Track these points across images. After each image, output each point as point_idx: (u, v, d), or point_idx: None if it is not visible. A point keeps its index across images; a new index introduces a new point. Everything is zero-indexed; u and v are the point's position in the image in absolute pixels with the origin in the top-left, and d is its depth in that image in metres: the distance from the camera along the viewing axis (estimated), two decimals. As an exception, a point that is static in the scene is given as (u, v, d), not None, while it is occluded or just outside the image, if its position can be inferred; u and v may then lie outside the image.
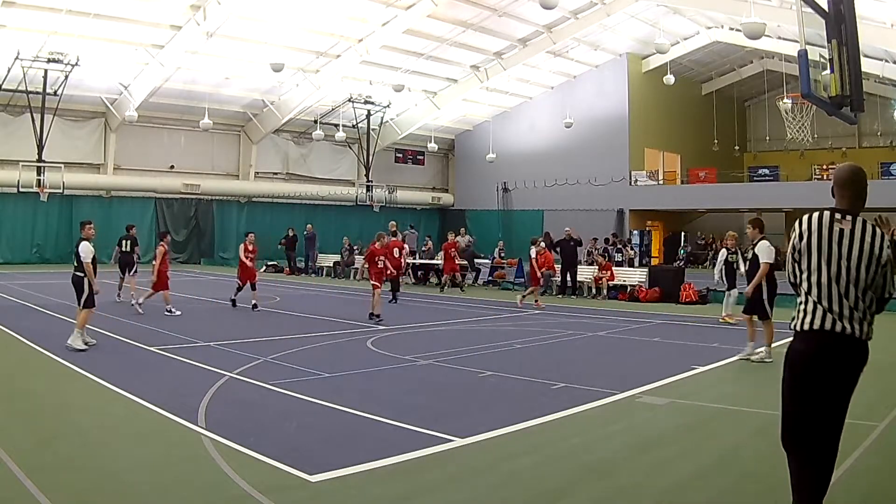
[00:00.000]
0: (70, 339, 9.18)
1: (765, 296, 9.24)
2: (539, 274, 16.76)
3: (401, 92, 29.77)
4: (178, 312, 13.33)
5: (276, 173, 34.51)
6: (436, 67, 30.82)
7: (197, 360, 8.71)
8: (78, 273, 9.39)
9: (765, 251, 9.17)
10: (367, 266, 14.68)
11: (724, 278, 12.95)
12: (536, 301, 16.40)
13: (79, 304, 9.36)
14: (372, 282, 13.36)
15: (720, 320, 13.20)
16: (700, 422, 6.40)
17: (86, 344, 9.25)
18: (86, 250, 9.39)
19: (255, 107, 31.78)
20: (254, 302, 14.45)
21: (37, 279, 20.79)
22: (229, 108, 30.85)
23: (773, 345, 9.18)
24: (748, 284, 9.43)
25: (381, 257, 13.49)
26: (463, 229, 26.07)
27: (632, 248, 28.84)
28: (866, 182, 3.81)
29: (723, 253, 13.14)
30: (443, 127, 37.62)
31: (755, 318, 9.34)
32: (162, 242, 14.31)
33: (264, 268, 26.43)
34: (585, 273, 19.75)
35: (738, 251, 12.80)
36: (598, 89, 33.79)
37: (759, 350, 9.20)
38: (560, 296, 18.94)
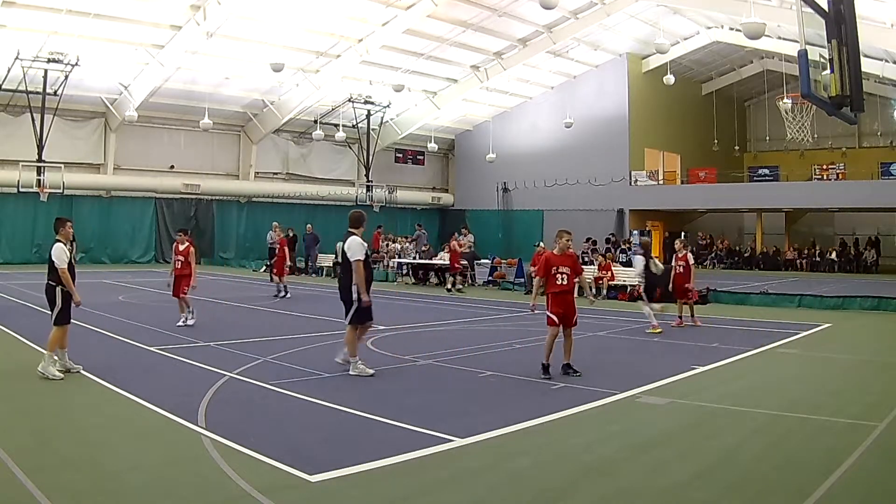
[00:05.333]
0: (41, 366, 7.54)
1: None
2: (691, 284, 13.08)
3: (401, 92, 29.76)
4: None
5: (276, 173, 34.50)
6: (436, 67, 30.83)
7: (197, 360, 8.72)
8: (51, 282, 7.72)
9: (356, 248, 8.12)
10: (542, 283, 8.46)
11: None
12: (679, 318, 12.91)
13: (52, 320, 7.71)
14: (548, 312, 8.17)
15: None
16: (700, 422, 6.39)
17: (67, 370, 7.68)
18: (58, 254, 7.69)
19: (255, 107, 31.78)
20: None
21: (37, 279, 20.71)
22: (229, 108, 30.84)
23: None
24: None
25: (562, 269, 8.23)
26: (465, 229, 26.04)
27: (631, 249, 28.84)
28: None
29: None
30: (443, 127, 37.61)
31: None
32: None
33: (264, 268, 26.42)
34: (584, 273, 19.74)
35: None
36: (598, 89, 33.78)
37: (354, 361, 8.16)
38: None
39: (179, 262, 11.99)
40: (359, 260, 8.11)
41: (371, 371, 8.12)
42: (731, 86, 38.36)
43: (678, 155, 36.52)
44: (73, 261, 7.93)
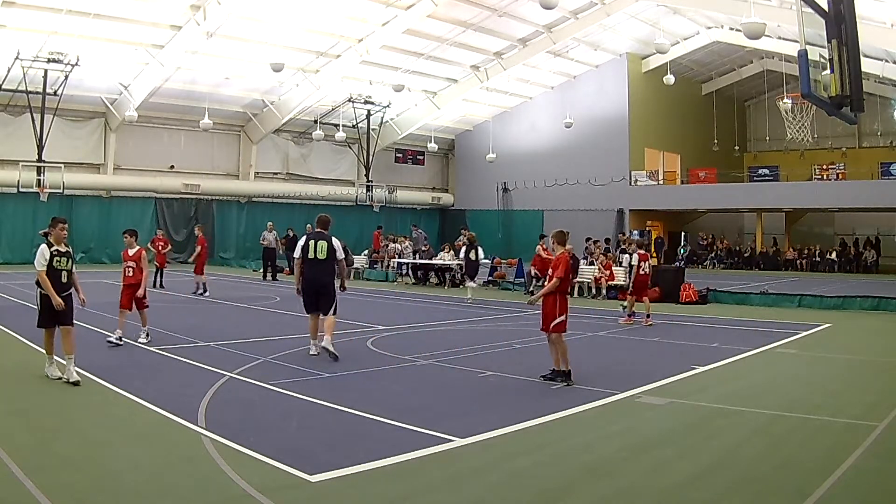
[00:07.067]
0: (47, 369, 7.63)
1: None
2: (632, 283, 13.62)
3: (401, 92, 29.77)
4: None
5: (276, 173, 34.49)
6: (436, 67, 30.83)
7: (197, 360, 8.71)
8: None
9: (342, 248, 9.49)
10: (552, 282, 7.74)
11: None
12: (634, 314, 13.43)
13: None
14: (552, 320, 7.71)
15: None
16: (700, 422, 6.40)
17: (59, 377, 7.45)
18: (37, 256, 7.41)
19: (255, 107, 31.77)
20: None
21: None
22: (229, 108, 30.84)
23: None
24: None
25: (549, 272, 7.96)
26: (464, 229, 26.02)
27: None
28: None
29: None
30: (443, 127, 37.61)
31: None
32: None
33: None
34: (585, 273, 19.73)
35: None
36: (598, 89, 33.79)
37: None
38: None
39: (130, 270, 10.06)
40: (344, 259, 9.35)
41: (315, 352, 9.15)
42: (731, 86, 38.38)
43: (678, 155, 36.54)
44: (54, 263, 7.41)
